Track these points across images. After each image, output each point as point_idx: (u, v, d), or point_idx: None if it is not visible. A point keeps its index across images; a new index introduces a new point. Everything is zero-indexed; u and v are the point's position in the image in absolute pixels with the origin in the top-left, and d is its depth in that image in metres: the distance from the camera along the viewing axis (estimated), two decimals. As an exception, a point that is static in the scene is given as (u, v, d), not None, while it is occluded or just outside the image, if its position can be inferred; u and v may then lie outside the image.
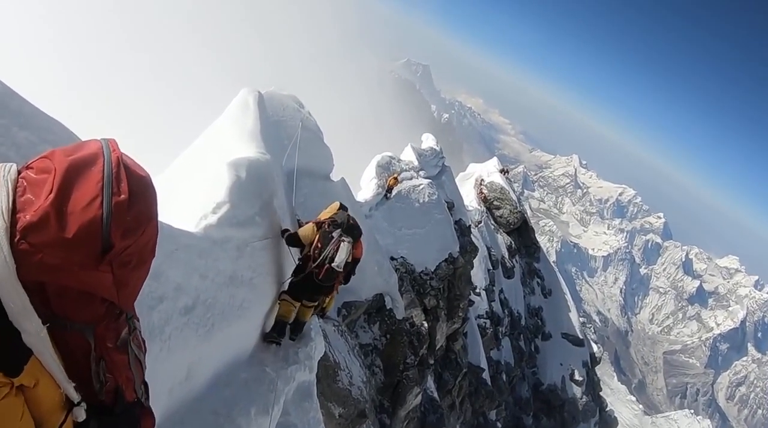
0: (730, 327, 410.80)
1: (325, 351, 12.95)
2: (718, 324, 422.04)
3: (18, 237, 1.76)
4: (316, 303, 11.88)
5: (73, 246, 1.75)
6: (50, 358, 1.91)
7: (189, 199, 9.58)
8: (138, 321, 2.33)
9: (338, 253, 10.97)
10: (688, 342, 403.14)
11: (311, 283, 11.22)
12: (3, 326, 1.79)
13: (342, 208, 11.84)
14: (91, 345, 2.04)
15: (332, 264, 10.96)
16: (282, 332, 11.32)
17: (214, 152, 12.15)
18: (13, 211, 1.81)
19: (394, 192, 27.94)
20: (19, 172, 1.93)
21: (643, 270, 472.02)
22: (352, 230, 11.30)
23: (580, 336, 63.39)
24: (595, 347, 71.83)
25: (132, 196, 1.87)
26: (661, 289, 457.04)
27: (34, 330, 1.83)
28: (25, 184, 1.86)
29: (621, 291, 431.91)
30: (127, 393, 2.26)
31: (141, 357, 2.34)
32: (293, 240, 11.45)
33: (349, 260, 11.37)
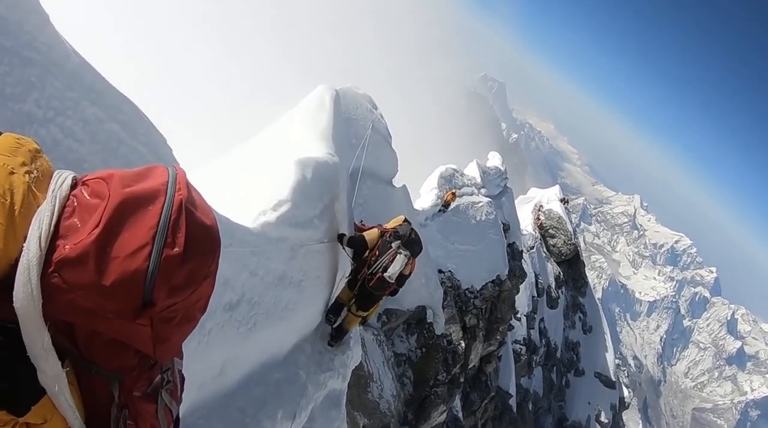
0: (765, 395, 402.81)
1: (360, 361, 12.82)
2: (753, 390, 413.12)
3: (52, 268, 1.56)
4: (365, 315, 11.87)
5: (109, 294, 1.53)
6: (65, 402, 1.71)
7: (251, 191, 9.52)
8: (178, 372, 2.13)
9: (393, 264, 10.87)
10: (719, 403, 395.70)
11: (363, 289, 11.20)
12: (18, 363, 1.60)
13: (406, 221, 11.73)
14: (115, 393, 1.85)
15: (384, 274, 10.87)
16: (338, 312, 11.56)
17: (283, 146, 12.09)
18: (55, 233, 1.61)
19: (450, 207, 27.70)
20: (73, 186, 1.75)
21: (686, 322, 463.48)
22: (412, 245, 11.23)
23: (613, 378, 62.49)
24: (625, 391, 70.86)
25: (188, 250, 1.62)
26: (701, 344, 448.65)
27: (51, 372, 1.64)
28: (75, 204, 1.67)
29: (661, 340, 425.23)
30: None
31: (173, 406, 2.11)
32: (359, 242, 11.38)
33: (405, 273, 11.30)
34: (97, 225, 1.55)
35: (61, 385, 1.67)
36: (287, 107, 14.86)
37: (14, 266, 1.57)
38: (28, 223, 1.61)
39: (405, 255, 10.98)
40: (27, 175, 1.70)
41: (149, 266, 1.53)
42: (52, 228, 1.60)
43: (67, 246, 1.56)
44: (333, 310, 11.68)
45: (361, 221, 13.21)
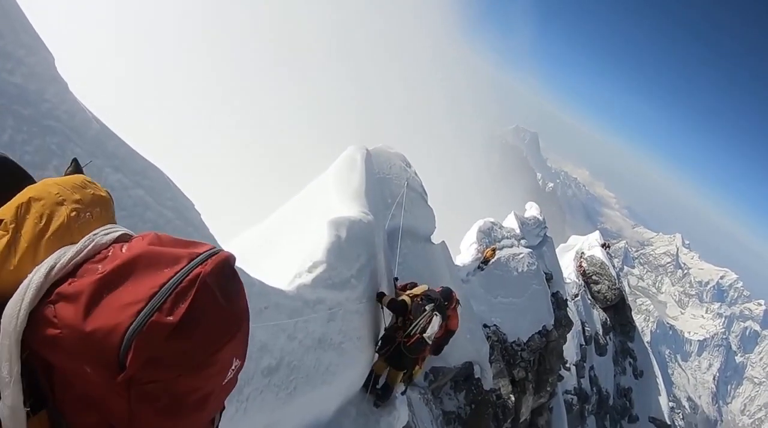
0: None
1: (407, 421, 12.59)
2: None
3: (50, 299, 1.47)
4: (405, 370, 11.69)
5: (86, 341, 1.38)
6: None
7: (287, 254, 9.46)
8: None
9: (430, 326, 10.93)
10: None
11: (399, 353, 11.17)
12: None
13: (429, 289, 11.85)
14: None
15: (423, 335, 10.89)
16: (370, 385, 11.41)
17: (317, 207, 12.13)
18: (73, 272, 1.53)
19: (490, 264, 27.54)
20: (120, 241, 1.66)
21: (738, 358, 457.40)
22: (442, 307, 11.38)
23: (668, 422, 61.60)
24: (682, 434, 69.98)
25: (184, 324, 1.39)
26: (755, 380, 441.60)
27: (10, 403, 1.49)
28: (110, 254, 1.56)
29: (714, 378, 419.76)
30: None
31: None
32: (399, 307, 11.33)
33: (440, 332, 11.35)
34: (105, 272, 1.46)
35: (17, 421, 1.51)
36: (320, 169, 14.91)
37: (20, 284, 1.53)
38: (51, 253, 1.58)
39: (441, 317, 11.15)
40: (74, 212, 1.72)
41: (131, 324, 1.36)
42: (71, 265, 1.54)
43: (72, 283, 1.48)
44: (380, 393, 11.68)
45: (395, 280, 13.18)
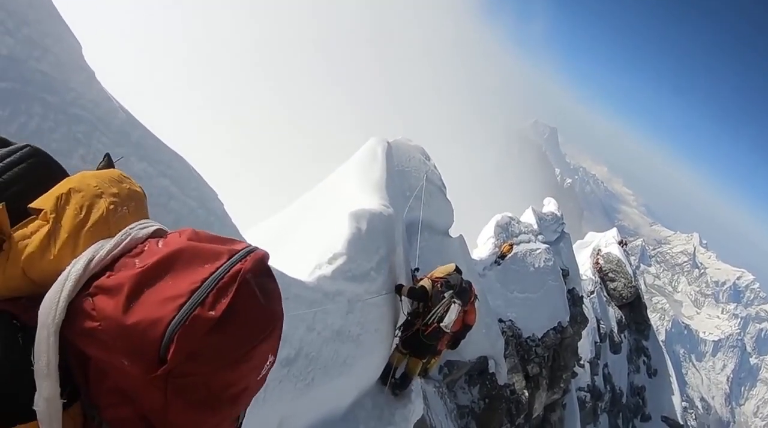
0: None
1: (422, 414, 12.60)
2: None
3: (88, 291, 1.47)
4: (425, 359, 11.81)
5: (127, 334, 1.39)
6: None
7: (306, 244, 9.48)
8: None
9: (448, 314, 10.81)
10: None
11: (417, 340, 11.18)
12: (20, 376, 1.49)
13: (457, 270, 11.63)
14: None
15: (440, 324, 10.83)
16: (389, 377, 11.35)
17: (338, 198, 12.11)
18: (111, 265, 1.52)
19: (507, 259, 27.45)
20: (157, 236, 1.67)
21: (753, 360, 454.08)
22: (463, 294, 11.19)
23: (681, 422, 61.14)
24: (694, 435, 69.65)
25: (225, 319, 1.40)
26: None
27: (47, 394, 1.48)
28: (146, 249, 1.57)
29: (728, 380, 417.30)
30: None
31: None
32: (420, 294, 11.29)
33: (458, 326, 11.26)
34: (145, 266, 1.47)
35: (53, 413, 1.51)
36: (340, 161, 14.90)
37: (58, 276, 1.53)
38: (90, 245, 1.58)
39: (458, 305, 10.98)
40: (112, 205, 1.71)
41: (174, 318, 1.37)
42: (109, 258, 1.54)
43: (111, 276, 1.48)
44: (399, 381, 11.71)
45: (413, 271, 13.13)
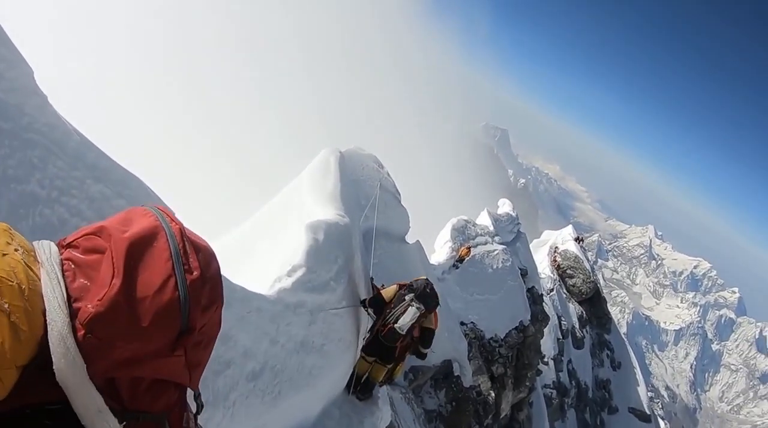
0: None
1: (390, 421, 12.65)
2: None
3: (83, 331, 1.50)
4: (390, 365, 11.97)
5: (149, 334, 1.51)
6: None
7: (265, 259, 9.52)
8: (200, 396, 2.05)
9: (404, 315, 11.00)
10: (758, 423, 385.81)
11: (376, 341, 11.43)
12: None
13: (427, 280, 11.81)
14: None
15: (395, 325, 11.03)
16: (355, 383, 11.61)
17: (293, 211, 12.16)
18: (68, 299, 1.55)
19: (465, 262, 27.56)
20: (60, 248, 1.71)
21: (715, 346, 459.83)
22: (426, 298, 11.30)
23: (648, 412, 61.54)
24: (662, 423, 69.94)
25: (203, 271, 1.63)
26: (732, 366, 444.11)
27: None
28: (73, 266, 1.61)
29: (691, 367, 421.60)
30: None
31: None
32: (378, 300, 11.51)
33: (415, 330, 11.44)
34: (113, 276, 1.52)
35: None
36: (293, 173, 14.92)
37: (42, 343, 1.52)
38: (40, 298, 1.56)
39: (417, 308, 11.09)
40: (16, 252, 1.65)
41: (180, 294, 1.53)
42: (65, 292, 1.56)
43: (89, 306, 1.51)
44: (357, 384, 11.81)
45: (382, 285, 13.22)
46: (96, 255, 1.59)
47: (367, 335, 11.81)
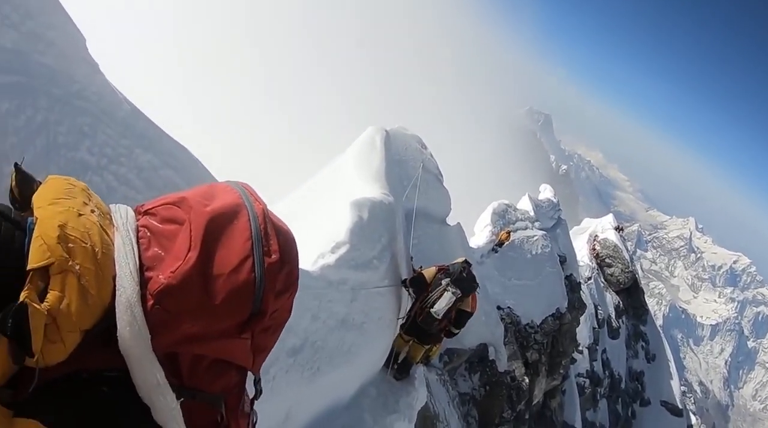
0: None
1: (426, 402, 12.65)
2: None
3: (152, 301, 1.48)
4: (428, 346, 12.08)
5: (219, 313, 1.48)
6: None
7: (308, 235, 9.48)
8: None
9: (439, 301, 11.07)
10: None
11: (414, 324, 11.53)
12: (133, 405, 1.51)
13: (465, 262, 11.88)
14: (219, 416, 1.72)
15: (431, 310, 11.13)
16: (393, 360, 11.74)
17: (337, 188, 12.13)
18: (140, 267, 1.54)
19: (504, 246, 27.44)
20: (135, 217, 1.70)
21: (751, 344, 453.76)
22: (462, 282, 11.33)
23: (680, 406, 61.05)
24: (693, 418, 69.48)
25: (282, 255, 1.58)
26: (767, 365, 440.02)
27: (168, 407, 1.53)
28: (149, 234, 1.61)
29: (726, 363, 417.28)
30: None
31: (255, 416, 2.00)
32: (419, 282, 11.54)
33: (452, 313, 11.51)
34: (189, 249, 1.51)
35: (178, 419, 1.56)
36: (339, 150, 14.91)
37: (108, 309, 1.51)
38: (112, 263, 1.55)
39: (453, 293, 11.12)
40: (92, 214, 1.66)
41: (256, 276, 1.51)
42: (137, 260, 1.56)
43: (161, 276, 1.51)
44: (395, 361, 11.93)
45: (420, 267, 13.23)
46: (174, 225, 1.58)
47: (405, 317, 11.81)
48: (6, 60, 4.22)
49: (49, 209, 1.60)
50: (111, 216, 1.72)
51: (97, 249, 1.53)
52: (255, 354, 1.65)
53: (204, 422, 1.69)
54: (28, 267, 1.43)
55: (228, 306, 1.48)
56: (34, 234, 1.49)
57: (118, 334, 1.48)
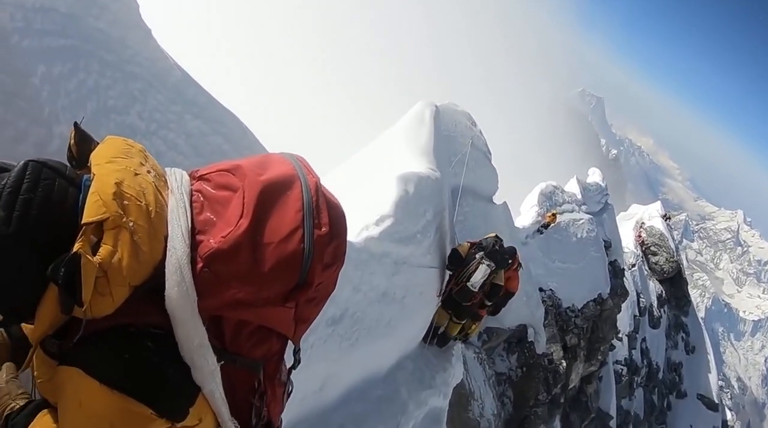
0: None
1: (462, 379, 12.70)
2: None
3: (201, 264, 1.55)
4: (463, 322, 12.23)
5: (266, 281, 1.55)
6: (219, 398, 1.68)
7: (353, 206, 9.51)
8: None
9: (475, 273, 11.21)
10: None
11: (449, 298, 11.70)
12: (172, 367, 1.57)
13: (496, 237, 12.03)
14: (257, 382, 1.81)
15: (467, 283, 11.26)
16: (432, 334, 11.87)
17: (385, 162, 12.17)
18: (192, 230, 1.61)
19: (550, 228, 27.31)
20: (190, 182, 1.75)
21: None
22: (495, 255, 11.49)
23: (716, 401, 60.40)
24: (729, 414, 68.71)
25: (332, 229, 1.66)
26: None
27: (208, 368, 1.60)
28: (202, 198, 1.68)
29: (766, 361, 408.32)
30: (275, 424, 2.01)
31: (291, 386, 2.10)
32: (456, 257, 11.70)
33: (486, 287, 11.69)
34: (241, 216, 1.58)
35: (217, 380, 1.64)
36: (389, 123, 14.92)
37: (158, 268, 1.59)
38: (164, 223, 1.64)
39: (488, 265, 11.28)
40: (148, 174, 1.73)
41: (305, 247, 1.58)
42: (189, 222, 1.64)
43: (212, 240, 1.58)
44: (434, 336, 12.09)
45: (459, 244, 13.33)
46: (227, 192, 1.64)
47: (443, 291, 11.98)
48: (60, 23, 4.29)
49: (107, 167, 1.66)
50: (166, 178, 1.78)
51: (151, 208, 1.60)
52: (297, 323, 1.73)
53: (242, 386, 1.77)
54: (83, 221, 1.51)
55: (275, 275, 1.53)
56: (91, 190, 1.56)
57: (165, 294, 1.55)
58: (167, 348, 1.57)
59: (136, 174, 1.68)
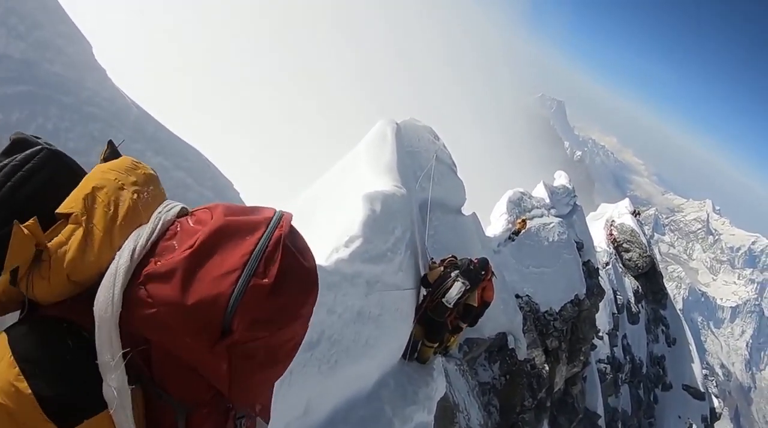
0: None
1: (445, 392, 12.71)
2: None
3: (140, 280, 1.55)
4: (436, 344, 12.35)
5: (189, 314, 1.48)
6: (125, 421, 1.59)
7: (322, 229, 9.55)
8: (254, 421, 1.87)
9: (450, 290, 11.45)
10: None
11: (425, 316, 11.80)
12: (84, 372, 1.56)
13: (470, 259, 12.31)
14: (180, 425, 1.70)
15: (442, 299, 11.48)
16: (411, 349, 11.90)
17: (350, 182, 12.23)
18: (151, 251, 1.62)
19: (521, 234, 27.42)
20: (182, 215, 1.77)
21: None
22: (470, 274, 11.77)
23: (702, 390, 60.85)
24: (716, 401, 69.13)
25: (278, 284, 1.54)
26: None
27: (116, 385, 1.55)
28: (178, 229, 1.67)
29: (747, 345, 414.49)
30: None
31: None
32: (424, 281, 12.06)
33: (461, 305, 12.04)
34: (191, 246, 1.55)
35: (124, 401, 1.58)
36: (351, 144, 14.97)
37: (101, 275, 1.60)
38: (126, 237, 1.66)
39: (463, 283, 11.54)
40: (135, 194, 1.78)
41: (234, 291, 1.49)
42: (149, 245, 1.64)
43: (158, 263, 1.57)
44: (413, 350, 12.14)
45: (432, 259, 13.36)
46: (199, 226, 1.64)
47: (417, 308, 12.12)
48: (15, 70, 4.30)
49: (99, 174, 1.78)
50: (160, 206, 1.82)
51: (118, 219, 1.67)
52: (233, 380, 1.60)
53: (167, 424, 1.71)
54: (56, 211, 1.67)
55: (197, 311, 1.49)
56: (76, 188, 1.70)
57: (96, 297, 1.57)
58: (84, 352, 1.57)
59: (122, 188, 1.75)
